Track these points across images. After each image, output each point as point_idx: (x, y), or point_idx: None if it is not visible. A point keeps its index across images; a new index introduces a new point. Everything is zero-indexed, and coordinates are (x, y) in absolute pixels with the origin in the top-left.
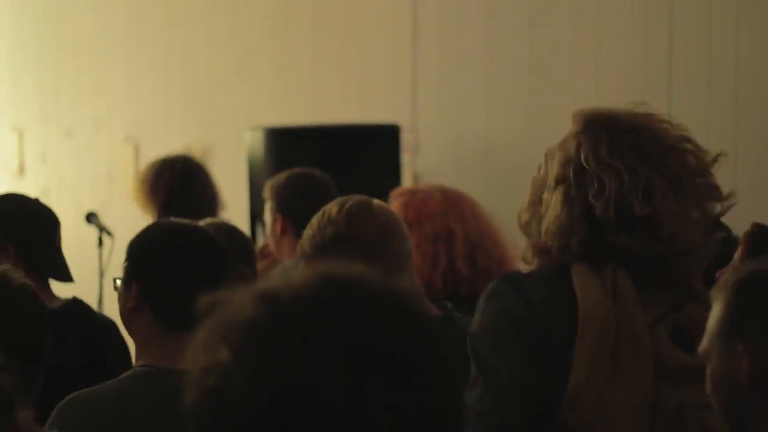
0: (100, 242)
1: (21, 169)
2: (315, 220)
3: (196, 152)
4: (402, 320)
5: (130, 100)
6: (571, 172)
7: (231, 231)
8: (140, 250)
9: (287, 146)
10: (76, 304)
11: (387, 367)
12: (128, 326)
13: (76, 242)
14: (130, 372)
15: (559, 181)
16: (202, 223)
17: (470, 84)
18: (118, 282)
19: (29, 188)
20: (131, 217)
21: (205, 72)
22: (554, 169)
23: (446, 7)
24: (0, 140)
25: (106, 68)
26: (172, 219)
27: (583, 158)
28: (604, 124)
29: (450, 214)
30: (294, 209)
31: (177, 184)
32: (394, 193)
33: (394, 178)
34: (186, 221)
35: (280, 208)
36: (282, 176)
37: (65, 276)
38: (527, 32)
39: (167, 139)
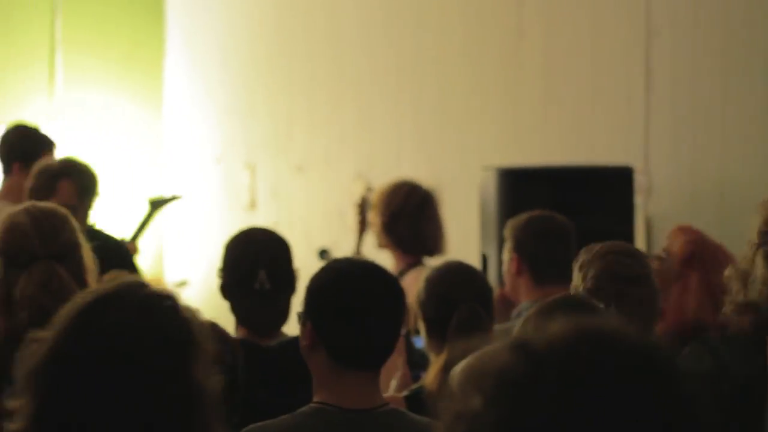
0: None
1: (253, 204)
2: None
3: None
4: (657, 380)
5: (361, 137)
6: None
7: (468, 271)
8: (314, 288)
9: (519, 187)
10: (294, 342)
11: (644, 427)
12: (308, 363)
13: (306, 277)
14: (305, 408)
15: (761, 241)
16: (435, 265)
17: (704, 124)
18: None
19: (260, 223)
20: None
21: (437, 110)
22: (756, 225)
23: (680, 46)
24: (233, 175)
25: (338, 105)
26: (351, 257)
27: None
28: None
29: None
30: (531, 251)
31: (411, 214)
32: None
33: (627, 220)
34: (363, 260)
35: (518, 249)
36: (522, 217)
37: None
38: (763, 71)
39: (398, 176)
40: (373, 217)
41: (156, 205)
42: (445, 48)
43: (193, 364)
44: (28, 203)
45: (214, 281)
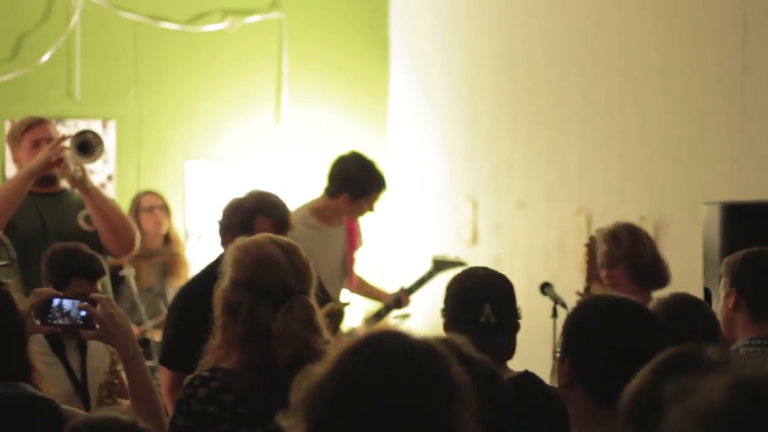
0: (554, 313)
1: (474, 238)
2: None
3: (647, 226)
4: None
5: (583, 172)
6: None
7: (695, 303)
8: (573, 325)
9: (743, 222)
10: (526, 377)
11: None
12: (565, 401)
13: (528, 312)
14: None
15: None
16: (661, 297)
17: None
18: (557, 355)
19: (482, 257)
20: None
21: (659, 144)
22: None
23: None
24: (455, 209)
25: (559, 140)
26: (608, 294)
27: None
28: None
29: None
30: (749, 287)
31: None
32: None
33: None
34: (621, 296)
35: (735, 284)
36: (740, 253)
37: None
38: None
39: (620, 212)
40: (604, 254)
41: (440, 265)
42: (667, 83)
43: (454, 410)
44: (268, 235)
45: (437, 316)
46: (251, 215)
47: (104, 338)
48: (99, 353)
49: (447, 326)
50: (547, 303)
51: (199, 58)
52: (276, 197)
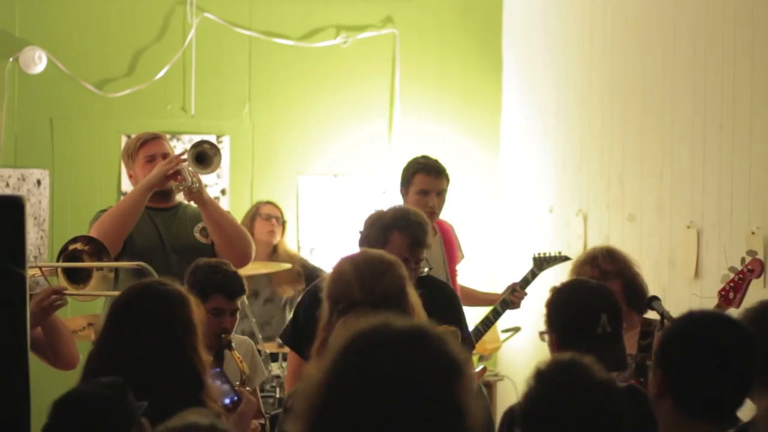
0: (662, 326)
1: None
2: None
3: (758, 240)
4: None
5: (693, 186)
6: None
7: None
8: (668, 337)
9: None
10: (633, 391)
11: None
12: (654, 411)
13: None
14: None
15: None
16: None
17: None
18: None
19: None
20: (691, 304)
21: None
22: None
23: None
24: (566, 223)
25: (670, 154)
26: (705, 309)
27: None
28: None
29: None
30: None
31: None
32: None
33: None
34: (717, 312)
35: None
36: None
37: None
38: None
39: (730, 225)
40: None
41: (541, 263)
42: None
43: (458, 389)
44: (359, 251)
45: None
46: (387, 230)
47: (237, 419)
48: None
49: (559, 339)
50: (655, 317)
51: (312, 74)
52: (415, 215)
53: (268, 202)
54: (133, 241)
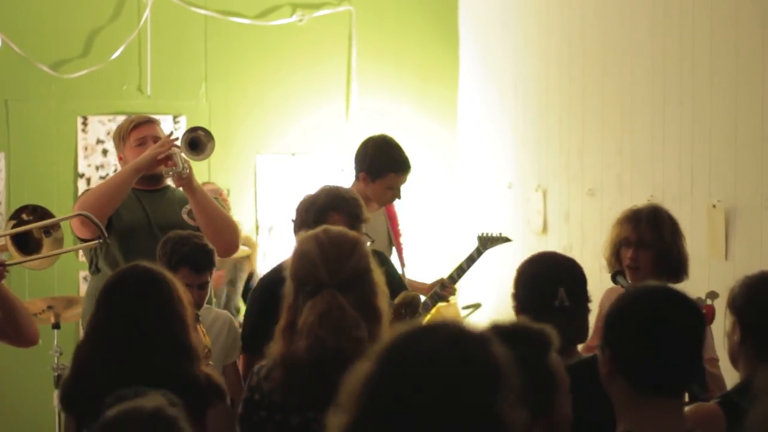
0: None
1: (545, 228)
2: None
3: (719, 213)
4: None
5: (654, 161)
6: None
7: None
8: (612, 314)
9: None
10: (589, 362)
11: None
12: (607, 391)
13: (598, 301)
14: None
15: None
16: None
17: None
18: None
19: (552, 247)
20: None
21: (730, 133)
22: None
23: None
24: (525, 199)
25: (629, 129)
26: (648, 283)
27: None
28: None
29: None
30: None
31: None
32: None
33: None
34: (660, 285)
35: None
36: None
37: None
38: None
39: (691, 200)
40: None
41: (485, 242)
42: (738, 70)
43: (499, 398)
44: (320, 229)
45: (507, 304)
46: (324, 212)
47: None
48: None
49: (518, 310)
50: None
51: (268, 53)
52: (348, 192)
53: (206, 183)
54: (120, 218)
